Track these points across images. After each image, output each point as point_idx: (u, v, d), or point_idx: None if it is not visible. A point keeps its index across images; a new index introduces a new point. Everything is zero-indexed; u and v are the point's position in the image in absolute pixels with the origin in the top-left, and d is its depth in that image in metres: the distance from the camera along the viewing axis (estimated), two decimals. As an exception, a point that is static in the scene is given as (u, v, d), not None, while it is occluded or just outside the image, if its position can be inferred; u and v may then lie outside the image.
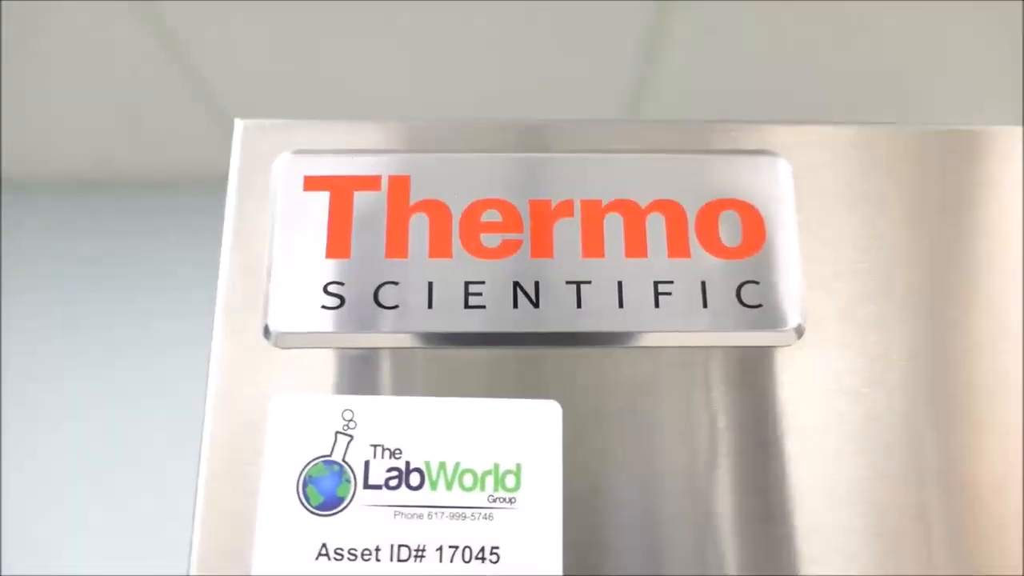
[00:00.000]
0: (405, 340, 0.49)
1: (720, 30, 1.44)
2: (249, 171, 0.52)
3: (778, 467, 0.48)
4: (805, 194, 0.52)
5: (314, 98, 1.58)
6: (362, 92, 1.57)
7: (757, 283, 0.50)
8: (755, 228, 0.51)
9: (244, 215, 0.51)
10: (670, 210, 0.51)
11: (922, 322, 0.50)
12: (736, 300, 0.50)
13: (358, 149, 0.52)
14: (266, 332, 0.48)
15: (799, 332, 0.50)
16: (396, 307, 0.49)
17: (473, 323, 0.49)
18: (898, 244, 0.52)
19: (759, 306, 0.50)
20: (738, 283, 0.50)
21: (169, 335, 1.69)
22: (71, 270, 1.76)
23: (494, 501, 0.46)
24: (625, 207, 0.51)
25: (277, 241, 0.50)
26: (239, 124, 0.52)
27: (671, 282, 0.50)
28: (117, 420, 1.66)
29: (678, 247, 0.50)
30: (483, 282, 0.49)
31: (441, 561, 0.45)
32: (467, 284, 0.49)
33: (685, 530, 0.47)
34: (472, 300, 0.49)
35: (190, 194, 1.71)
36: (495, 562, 0.45)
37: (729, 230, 0.51)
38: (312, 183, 0.51)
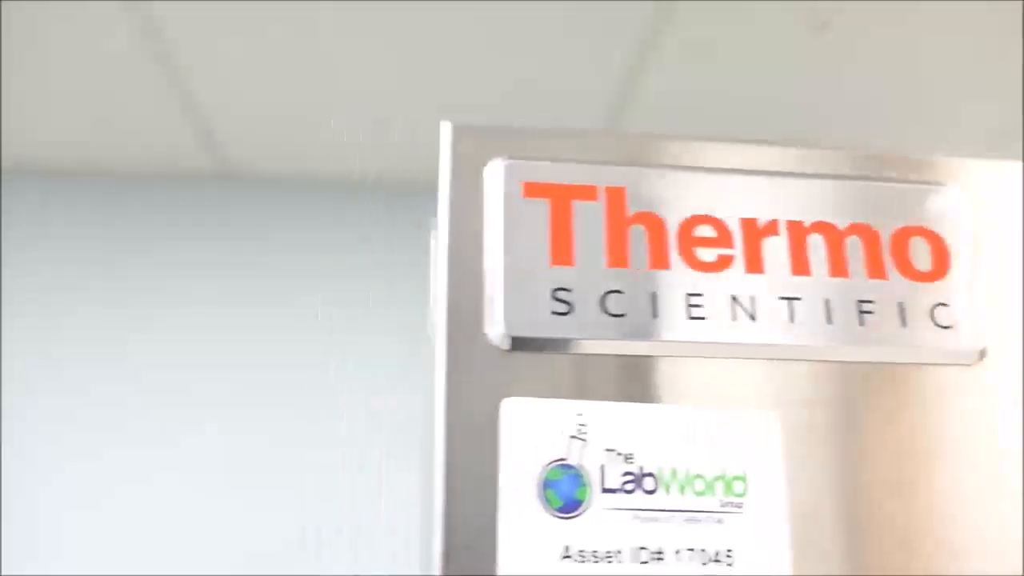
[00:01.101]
0: (631, 348, 0.48)
1: (711, 42, 1.45)
2: (460, 175, 0.50)
3: (969, 478, 0.49)
4: (981, 223, 0.54)
5: (296, 96, 1.54)
6: (349, 92, 1.54)
7: (947, 305, 0.51)
8: (941, 254, 0.52)
9: (459, 219, 0.50)
10: (866, 234, 0.52)
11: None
12: (931, 321, 0.51)
13: (573, 159, 0.51)
14: (495, 337, 0.47)
15: (983, 354, 0.51)
16: (623, 315, 0.48)
17: (695, 333, 0.49)
18: None
19: (950, 327, 0.51)
20: (931, 305, 0.51)
21: (167, 326, 1.63)
22: (68, 260, 1.69)
23: (724, 506, 0.46)
24: (825, 229, 0.52)
25: (500, 246, 0.49)
26: (446, 127, 0.51)
27: (872, 301, 0.51)
28: (111, 414, 1.59)
29: (876, 269, 0.51)
30: (702, 294, 0.49)
31: (679, 563, 0.45)
32: (688, 296, 0.49)
33: (887, 538, 0.48)
34: (694, 311, 0.49)
35: (165, 188, 1.66)
36: (730, 564, 0.45)
37: (919, 255, 0.52)
38: (532, 190, 0.50)
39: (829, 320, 0.50)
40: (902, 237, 0.52)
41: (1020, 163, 0.56)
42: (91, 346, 1.62)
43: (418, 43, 1.40)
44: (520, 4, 1.32)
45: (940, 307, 0.51)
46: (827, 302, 0.50)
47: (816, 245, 0.51)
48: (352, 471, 1.52)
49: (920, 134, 1.68)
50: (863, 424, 0.49)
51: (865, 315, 0.50)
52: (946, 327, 0.51)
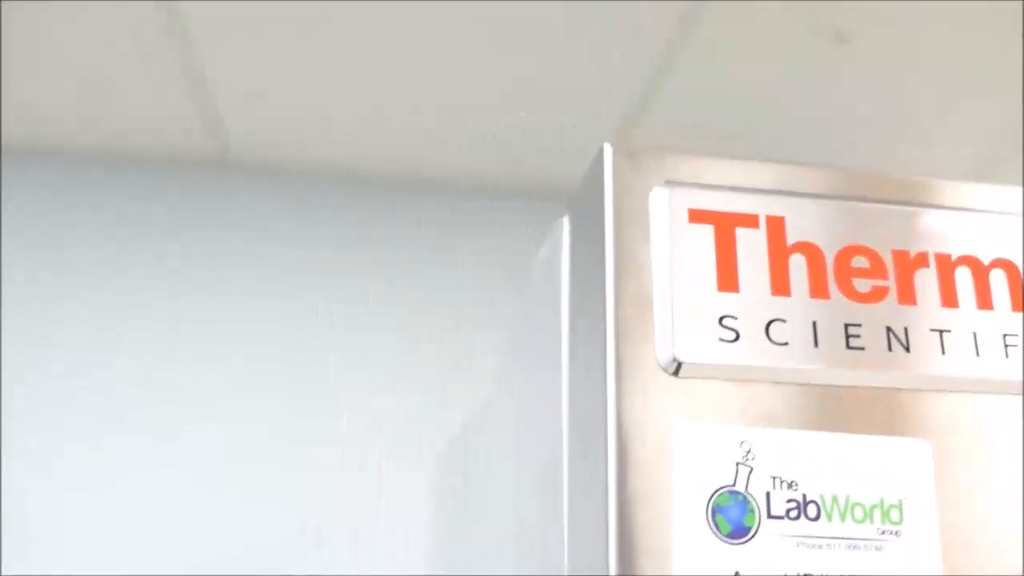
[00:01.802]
0: (795, 376, 0.48)
1: (739, 47, 1.44)
2: (625, 200, 0.50)
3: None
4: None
5: (306, 87, 1.51)
6: (362, 90, 1.51)
7: (1017, 336, 0.52)
8: (1017, 285, 0.53)
9: (624, 243, 0.49)
10: (1008, 268, 0.52)
11: None
12: (1003, 351, 0.51)
13: (733, 186, 0.51)
14: (664, 361, 0.47)
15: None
16: (786, 344, 0.48)
17: (853, 363, 0.49)
18: None
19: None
20: (1001, 334, 0.51)
21: (165, 319, 1.60)
22: (68, 244, 1.64)
23: (882, 533, 0.47)
24: (971, 262, 0.52)
25: (667, 272, 0.48)
26: (608, 150, 0.51)
27: (1016, 335, 0.51)
28: (109, 404, 1.55)
29: (1018, 303, 0.52)
30: (860, 324, 0.49)
31: (842, 590, 0.45)
32: (847, 326, 0.49)
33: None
34: (852, 341, 0.49)
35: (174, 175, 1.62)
36: (888, 592, 0.46)
37: (999, 286, 0.52)
38: (696, 216, 0.50)
39: (977, 353, 0.50)
40: (987, 270, 0.52)
41: None
42: (90, 334, 1.57)
43: (433, 40, 1.38)
44: (535, 5, 1.30)
45: (1011, 338, 0.51)
46: (974, 335, 0.50)
47: (963, 278, 0.51)
48: (353, 468, 1.50)
49: (929, 138, 1.68)
50: (1007, 455, 0.50)
51: (1010, 348, 0.51)
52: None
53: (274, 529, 1.46)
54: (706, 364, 0.47)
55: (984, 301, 0.51)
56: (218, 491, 1.47)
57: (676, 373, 0.47)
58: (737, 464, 0.46)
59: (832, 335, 0.49)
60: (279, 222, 1.61)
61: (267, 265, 1.59)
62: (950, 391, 0.50)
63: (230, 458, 1.49)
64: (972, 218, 0.53)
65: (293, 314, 1.56)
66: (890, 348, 0.49)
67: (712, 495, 0.46)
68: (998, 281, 0.52)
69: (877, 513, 0.47)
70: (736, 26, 1.37)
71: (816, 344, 0.48)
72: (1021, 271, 0.52)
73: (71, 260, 1.57)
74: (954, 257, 0.52)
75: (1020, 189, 0.55)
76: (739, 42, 1.41)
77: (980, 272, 0.52)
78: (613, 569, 0.45)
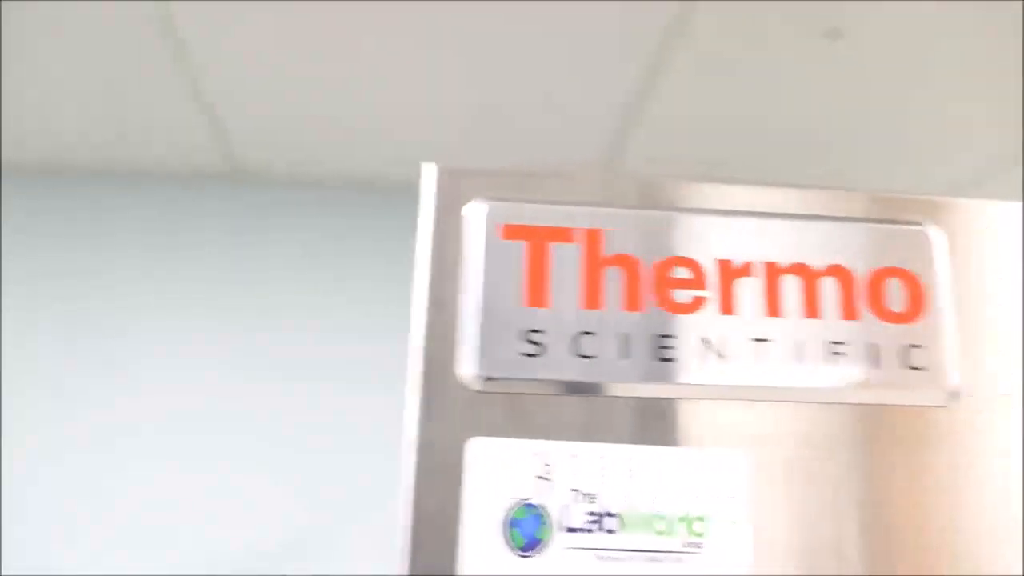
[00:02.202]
0: (600, 389, 0.48)
1: (719, 65, 1.42)
2: (441, 215, 0.50)
3: (934, 521, 0.48)
4: (961, 265, 0.52)
5: (310, 98, 1.53)
6: (355, 98, 1.53)
7: (921, 347, 0.50)
8: (917, 295, 0.51)
9: (436, 259, 0.49)
10: (841, 275, 0.51)
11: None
12: (903, 363, 0.50)
13: (551, 200, 0.50)
14: (466, 377, 0.47)
15: (956, 395, 0.50)
16: (593, 357, 0.48)
17: (664, 374, 0.48)
18: None
19: (924, 369, 0.50)
20: (905, 346, 0.50)
21: (160, 331, 1.64)
22: (72, 257, 1.70)
23: (686, 546, 0.46)
24: (801, 270, 0.51)
25: (475, 287, 0.49)
26: (428, 168, 0.51)
27: (844, 343, 0.49)
28: (114, 417, 1.60)
29: (850, 310, 0.50)
30: (674, 336, 0.49)
31: (638, 602, 0.45)
32: (660, 337, 0.49)
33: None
34: (664, 353, 0.48)
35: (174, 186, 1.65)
36: (686, 605, 0.45)
37: (894, 296, 0.51)
38: (510, 232, 0.50)
39: (799, 360, 0.49)
40: (878, 278, 0.51)
41: (1003, 203, 0.54)
42: (95, 345, 1.62)
43: (427, 54, 1.39)
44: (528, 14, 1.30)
45: (914, 348, 0.50)
46: (797, 343, 0.49)
47: (791, 286, 0.50)
48: (350, 470, 1.52)
49: (924, 150, 1.63)
50: (832, 465, 0.48)
51: (837, 356, 0.49)
52: (919, 368, 0.50)
53: (273, 530, 1.48)
54: (509, 379, 0.48)
55: (811, 310, 0.50)
56: (219, 492, 1.51)
57: (479, 389, 0.47)
58: (537, 478, 0.47)
59: (643, 347, 0.48)
60: (286, 231, 1.64)
61: (272, 272, 1.62)
62: (769, 400, 0.49)
63: (232, 460, 1.52)
64: (805, 225, 0.52)
65: (298, 321, 1.59)
66: (704, 359, 0.48)
67: (509, 509, 0.46)
68: (828, 289, 0.50)
69: (681, 526, 0.46)
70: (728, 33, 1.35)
71: (626, 356, 0.48)
72: (855, 276, 0.51)
73: (70, 264, 1.62)
74: (783, 264, 0.51)
75: (864, 194, 0.53)
76: (731, 46, 1.39)
77: (810, 280, 0.50)
78: (405, 582, 0.45)
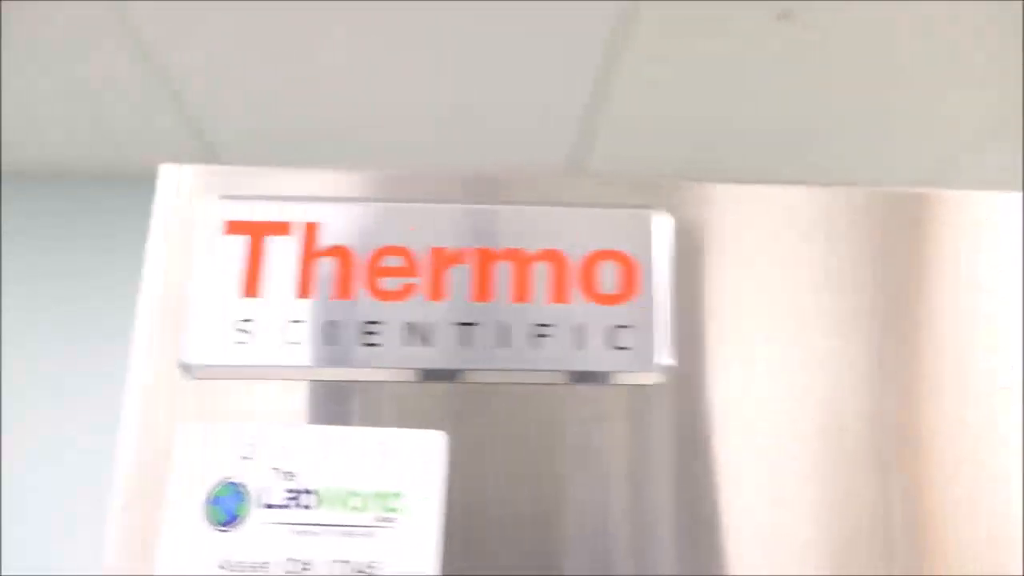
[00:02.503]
0: (306, 374, 0.50)
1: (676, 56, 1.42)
2: (172, 212, 0.53)
3: (642, 493, 0.49)
4: (687, 247, 0.53)
5: (282, 100, 1.57)
6: (329, 98, 1.56)
7: (629, 327, 0.51)
8: (631, 277, 0.52)
9: (165, 255, 0.52)
10: (555, 259, 0.52)
11: (792, 357, 0.51)
12: (609, 342, 0.51)
13: (273, 196, 0.53)
14: (182, 364, 0.50)
15: (666, 371, 0.51)
16: (299, 343, 0.50)
17: (369, 359, 0.50)
18: (781, 298, 0.53)
19: (629, 348, 0.51)
20: (612, 326, 0.51)
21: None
22: (66, 261, 1.75)
23: (378, 521, 0.48)
24: (514, 256, 0.52)
25: (197, 280, 0.51)
26: (163, 169, 0.54)
27: (550, 325, 0.51)
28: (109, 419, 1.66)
29: (560, 293, 0.51)
30: (381, 322, 0.51)
31: (328, 573, 0.47)
32: (367, 323, 0.51)
33: (553, 543, 0.49)
34: (369, 339, 0.50)
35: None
36: (372, 574, 0.47)
37: (607, 278, 0.52)
38: (232, 227, 0.52)
39: (503, 344, 0.51)
40: (592, 261, 0.52)
41: (750, 187, 0.55)
42: (94, 345, 1.66)
43: (391, 56, 1.42)
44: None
45: (621, 328, 0.51)
46: (503, 326, 0.51)
47: (502, 272, 0.52)
48: None
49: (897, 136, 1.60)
50: (535, 440, 0.50)
51: (541, 338, 0.51)
52: (624, 348, 0.51)
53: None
54: (219, 366, 0.50)
55: (520, 294, 0.52)
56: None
57: (191, 376, 0.50)
58: (241, 458, 0.49)
59: (349, 333, 0.51)
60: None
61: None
62: (468, 382, 0.50)
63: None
64: (521, 211, 0.53)
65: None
66: (408, 343, 0.51)
67: (212, 488, 0.49)
68: (540, 273, 0.52)
69: (375, 502, 0.48)
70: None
71: (332, 343, 0.50)
72: (569, 260, 0.52)
73: (70, 265, 1.68)
74: (496, 251, 0.52)
75: (592, 180, 0.55)
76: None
77: (522, 265, 0.52)
78: (108, 564, 0.48)
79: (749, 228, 0.54)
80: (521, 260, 0.52)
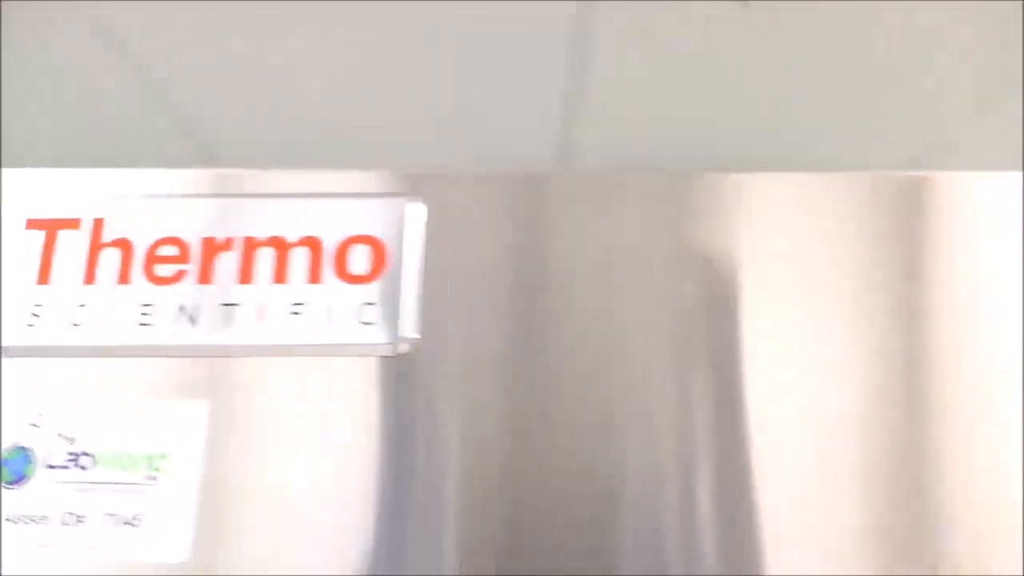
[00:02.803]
0: (89, 352, 0.57)
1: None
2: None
3: (390, 459, 0.55)
4: (437, 232, 0.59)
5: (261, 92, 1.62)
6: (307, 92, 1.60)
7: (374, 304, 0.57)
8: (380, 259, 0.58)
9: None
10: (313, 245, 0.58)
11: (511, 329, 0.57)
12: (356, 318, 0.57)
13: (64, 194, 0.60)
14: (-11, 345, 0.57)
15: (409, 343, 0.57)
16: (83, 325, 0.57)
17: (144, 338, 0.57)
18: (530, 275, 0.58)
19: (374, 323, 0.57)
20: (360, 304, 0.57)
21: None
22: None
23: (145, 479, 0.55)
24: (276, 243, 0.58)
25: (5, 273, 0.58)
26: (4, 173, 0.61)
27: (304, 304, 0.57)
28: None
29: (314, 275, 0.58)
30: (154, 304, 0.57)
31: (99, 525, 0.54)
32: (142, 306, 0.57)
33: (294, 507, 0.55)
34: (143, 319, 0.57)
35: None
36: (137, 526, 0.54)
37: (359, 260, 0.58)
38: (32, 224, 0.59)
39: (263, 321, 0.57)
40: (346, 245, 0.58)
41: (508, 176, 0.60)
42: None
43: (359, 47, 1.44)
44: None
45: (367, 306, 0.57)
46: (262, 307, 0.57)
47: (265, 258, 0.58)
48: None
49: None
50: (288, 411, 0.56)
51: (294, 316, 0.57)
52: (369, 323, 0.57)
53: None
54: (14, 347, 0.57)
55: (280, 276, 0.58)
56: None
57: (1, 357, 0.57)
58: (30, 425, 0.56)
59: (127, 315, 0.57)
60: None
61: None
62: (234, 356, 0.57)
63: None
64: (283, 204, 0.59)
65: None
66: (179, 323, 0.57)
67: (3, 453, 0.56)
68: (299, 258, 0.58)
69: (144, 462, 0.55)
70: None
71: (110, 324, 0.57)
72: (325, 245, 0.58)
73: None
74: (260, 239, 0.59)
75: (358, 173, 0.61)
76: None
77: (283, 251, 0.58)
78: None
79: (760, 217, 0.58)
80: (282, 247, 0.58)
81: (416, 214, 0.58)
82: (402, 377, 0.56)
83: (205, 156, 1.75)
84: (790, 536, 0.53)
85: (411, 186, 0.60)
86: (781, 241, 0.57)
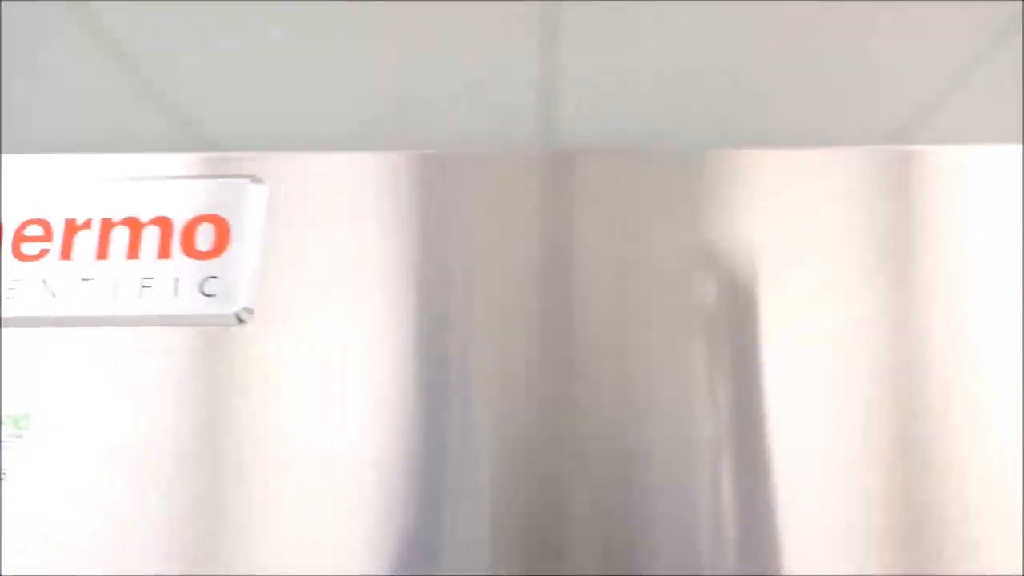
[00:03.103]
0: (-36, 323, 0.63)
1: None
2: None
3: (235, 430, 0.61)
4: (279, 211, 0.64)
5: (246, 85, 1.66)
6: (281, 83, 1.63)
7: (216, 278, 0.62)
8: (223, 236, 0.63)
9: None
10: (163, 224, 0.64)
11: (372, 310, 0.62)
12: (199, 291, 0.62)
13: (-50, 181, 0.66)
14: None
15: (247, 314, 0.62)
16: (-42, 299, 0.63)
17: (10, 310, 0.63)
18: (394, 252, 0.63)
19: (214, 295, 0.62)
20: (202, 278, 0.62)
21: None
22: None
23: (9, 437, 0.61)
24: (130, 222, 0.64)
25: None
26: None
27: (153, 278, 0.63)
28: None
29: (164, 251, 0.63)
30: (20, 280, 0.63)
31: (-29, 478, 0.61)
32: (11, 281, 0.63)
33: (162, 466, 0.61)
34: (11, 294, 0.63)
35: None
36: (3, 480, 0.61)
37: (204, 238, 0.63)
38: (-85, 207, 0.65)
39: (116, 294, 0.63)
40: (194, 224, 0.64)
41: (344, 154, 0.65)
42: None
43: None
44: None
45: (210, 279, 0.63)
46: (116, 281, 0.63)
47: (120, 236, 0.64)
48: None
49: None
50: (130, 378, 0.62)
51: (145, 289, 0.63)
52: (210, 295, 0.62)
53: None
54: (-101, 318, 0.64)
55: (133, 253, 0.64)
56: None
57: None
58: (-87, 389, 0.63)
59: (-3, 290, 0.64)
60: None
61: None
62: (93, 326, 0.63)
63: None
64: (138, 185, 0.65)
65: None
66: (41, 296, 0.63)
67: None
68: (150, 236, 0.64)
69: (8, 421, 0.62)
70: None
71: (-17, 298, 0.63)
72: (174, 224, 0.64)
73: None
74: (116, 220, 0.64)
75: (201, 156, 0.66)
76: None
77: (136, 230, 0.64)
78: None
79: (761, 193, 0.62)
80: (135, 226, 0.64)
81: (258, 193, 0.63)
82: (231, 346, 0.62)
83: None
84: (811, 535, 0.55)
85: (251, 167, 0.65)
86: (803, 219, 0.60)
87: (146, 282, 0.62)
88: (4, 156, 0.66)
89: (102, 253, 0.63)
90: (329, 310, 0.62)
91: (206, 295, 0.62)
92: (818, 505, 0.56)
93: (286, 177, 0.64)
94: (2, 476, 0.60)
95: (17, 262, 0.63)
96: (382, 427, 0.59)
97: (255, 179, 0.64)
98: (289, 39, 1.48)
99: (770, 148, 0.62)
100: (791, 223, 0.61)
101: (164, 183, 0.64)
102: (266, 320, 0.62)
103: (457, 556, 0.57)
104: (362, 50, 1.52)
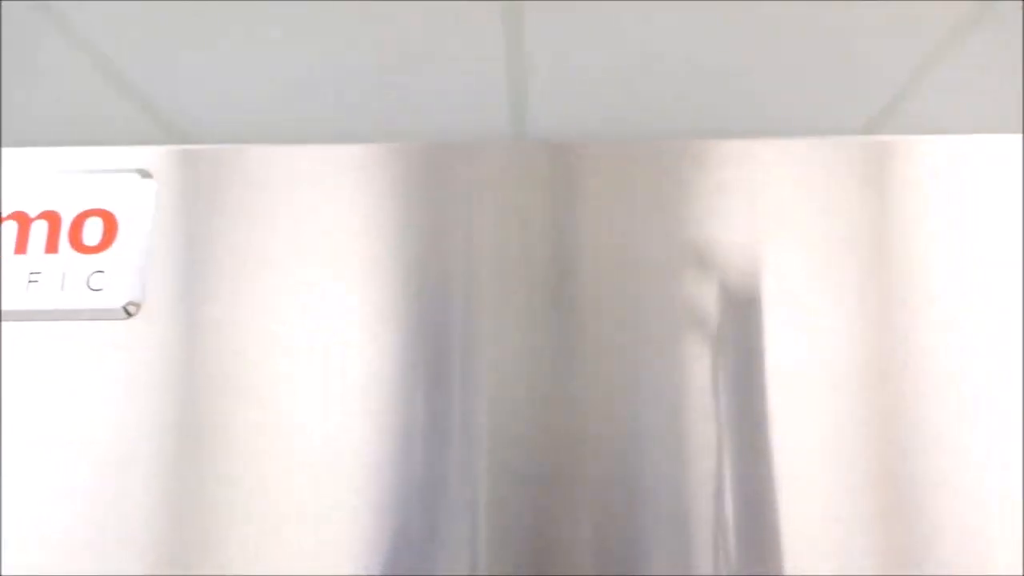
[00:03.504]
0: None
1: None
2: None
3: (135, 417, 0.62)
4: (169, 205, 0.64)
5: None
6: (254, 65, 1.62)
7: (103, 272, 0.63)
8: (111, 230, 0.63)
9: None
10: (51, 218, 0.64)
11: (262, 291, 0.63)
12: (86, 285, 0.63)
13: None
14: None
15: (131, 310, 0.63)
16: None
17: (-101, 304, 0.63)
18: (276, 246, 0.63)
19: (100, 290, 0.63)
20: (89, 272, 0.63)
21: None
22: None
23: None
24: (19, 217, 0.64)
25: None
26: None
27: (40, 272, 0.63)
28: None
29: (52, 246, 0.63)
30: (-91, 275, 0.63)
31: None
32: (-102, 276, 0.63)
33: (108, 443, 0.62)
34: (-101, 288, 0.63)
35: None
36: None
37: (92, 232, 0.63)
38: None
39: (5, 290, 0.63)
40: (82, 218, 0.64)
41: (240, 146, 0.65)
42: None
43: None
44: None
45: (97, 274, 0.63)
46: (5, 276, 0.63)
47: (9, 231, 0.64)
48: None
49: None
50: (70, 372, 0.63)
51: (31, 284, 0.63)
52: (97, 289, 0.63)
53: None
54: None
55: (21, 248, 0.64)
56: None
57: None
58: None
59: None
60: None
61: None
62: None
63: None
64: (28, 182, 0.65)
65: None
66: (-71, 291, 0.63)
67: None
68: (39, 230, 0.64)
69: (-102, 415, 0.62)
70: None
71: None
72: (63, 218, 0.64)
73: None
74: (4, 215, 0.65)
75: (122, 149, 0.66)
76: None
77: (24, 224, 0.64)
78: None
79: (758, 184, 0.62)
80: (24, 221, 0.64)
81: (147, 188, 0.64)
82: (120, 338, 0.62)
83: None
84: (811, 534, 0.55)
85: (134, 161, 0.65)
86: (797, 209, 0.60)
87: (34, 277, 0.63)
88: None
89: (-10, 248, 0.63)
90: (312, 305, 0.62)
91: (93, 289, 0.62)
92: (817, 504, 0.56)
93: (168, 171, 0.64)
94: None
95: (-93, 257, 0.63)
96: (378, 425, 0.60)
97: (144, 173, 0.64)
98: (257, 31, 1.47)
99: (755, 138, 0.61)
100: (786, 215, 0.61)
101: (53, 177, 0.64)
102: (146, 316, 0.62)
103: (454, 555, 0.58)
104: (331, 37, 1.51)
